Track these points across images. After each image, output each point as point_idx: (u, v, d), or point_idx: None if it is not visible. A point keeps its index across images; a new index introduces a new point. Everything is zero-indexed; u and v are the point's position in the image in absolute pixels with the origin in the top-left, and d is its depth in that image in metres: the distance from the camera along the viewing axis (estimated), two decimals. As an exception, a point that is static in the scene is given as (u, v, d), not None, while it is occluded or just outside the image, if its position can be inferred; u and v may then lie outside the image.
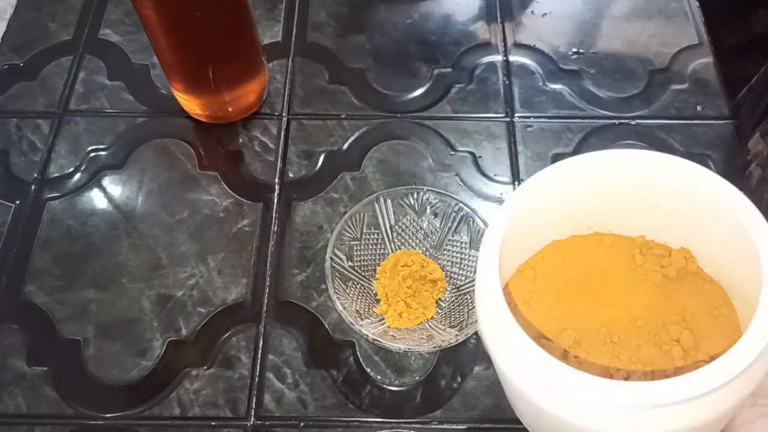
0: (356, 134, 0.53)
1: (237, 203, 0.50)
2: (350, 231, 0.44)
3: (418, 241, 0.46)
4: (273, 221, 0.49)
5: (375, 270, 0.45)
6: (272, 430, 0.41)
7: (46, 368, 0.43)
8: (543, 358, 0.23)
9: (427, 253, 0.46)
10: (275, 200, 0.50)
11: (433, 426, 0.41)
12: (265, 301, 0.45)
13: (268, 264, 0.47)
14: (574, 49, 0.57)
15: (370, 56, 0.57)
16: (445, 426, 0.41)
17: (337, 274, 0.42)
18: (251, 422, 0.41)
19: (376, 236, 0.45)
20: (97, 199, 0.50)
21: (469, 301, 0.43)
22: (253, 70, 0.51)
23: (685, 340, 0.26)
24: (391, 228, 0.46)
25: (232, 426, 0.41)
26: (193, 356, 0.44)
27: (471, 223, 0.44)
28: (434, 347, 0.41)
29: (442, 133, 0.53)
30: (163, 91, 0.55)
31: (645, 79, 0.56)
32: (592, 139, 0.52)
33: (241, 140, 0.53)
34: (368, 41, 0.58)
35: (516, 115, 0.54)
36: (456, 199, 0.45)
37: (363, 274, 0.44)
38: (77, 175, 0.51)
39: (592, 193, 0.30)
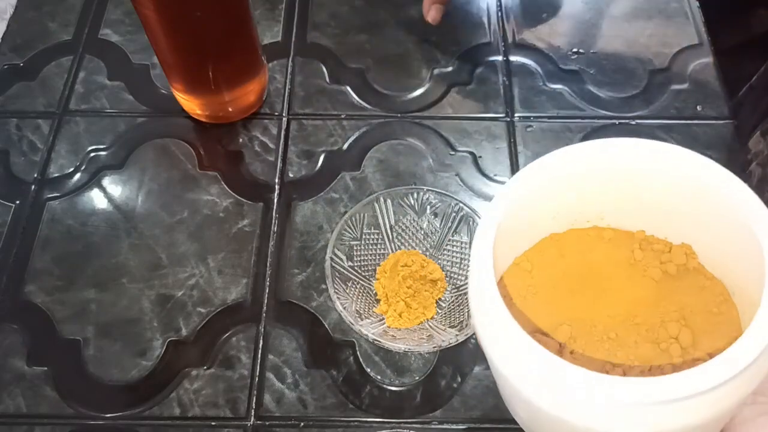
0: (356, 134, 0.53)
1: (237, 203, 0.50)
2: (350, 231, 0.44)
3: (418, 241, 0.46)
4: (273, 221, 0.49)
5: (375, 270, 0.45)
6: (272, 430, 0.41)
7: (46, 368, 0.43)
8: (540, 354, 0.22)
9: (427, 253, 0.46)
10: (275, 200, 0.50)
11: (433, 426, 0.41)
12: (265, 301, 0.45)
13: (268, 264, 0.47)
14: (574, 49, 0.57)
15: (370, 56, 0.57)
16: (445, 426, 0.41)
17: (337, 274, 0.42)
18: (251, 422, 0.41)
19: (376, 236, 0.45)
20: (97, 199, 0.50)
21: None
22: (253, 70, 0.51)
23: (684, 337, 0.26)
24: (391, 228, 0.46)
25: (232, 426, 0.41)
26: (193, 356, 0.44)
27: (471, 223, 0.44)
28: (434, 347, 0.41)
29: (442, 133, 0.53)
30: (163, 91, 0.55)
31: (645, 79, 0.55)
32: (592, 139, 0.52)
33: (241, 140, 0.53)
34: (368, 41, 0.58)
35: (516, 115, 0.54)
36: (456, 199, 0.45)
37: (363, 274, 0.44)
38: (77, 175, 0.51)
39: (590, 182, 0.29)
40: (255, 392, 0.42)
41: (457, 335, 0.40)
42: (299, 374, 0.43)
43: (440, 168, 0.51)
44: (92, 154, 0.52)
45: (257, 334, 0.44)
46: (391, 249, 0.46)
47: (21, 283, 0.46)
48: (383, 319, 0.43)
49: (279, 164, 0.51)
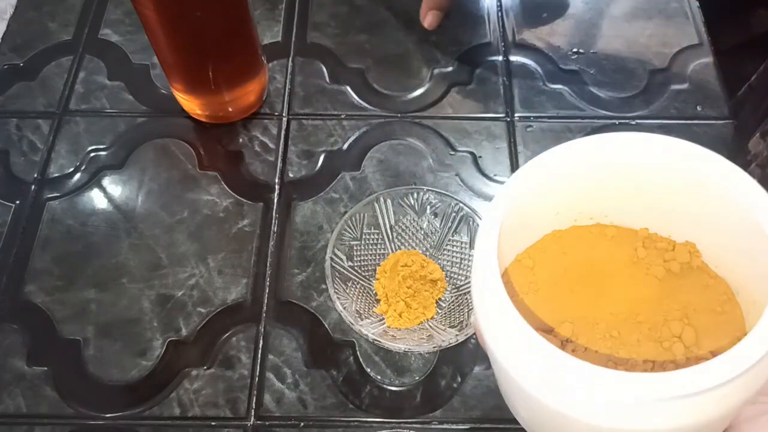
0: (356, 134, 0.53)
1: (237, 203, 0.50)
2: (350, 231, 0.44)
3: (418, 241, 0.46)
4: (273, 221, 0.49)
5: (375, 270, 0.45)
6: (272, 430, 0.41)
7: (46, 368, 0.43)
8: (544, 348, 0.22)
9: (427, 253, 0.46)
10: (275, 200, 0.50)
11: (433, 426, 0.41)
12: (265, 301, 0.45)
13: (268, 264, 0.47)
14: (574, 49, 0.57)
15: (370, 56, 0.57)
16: (445, 426, 0.41)
17: (337, 274, 0.42)
18: (251, 422, 0.41)
19: (376, 236, 0.45)
20: (97, 199, 0.50)
21: (469, 301, 0.43)
22: (253, 70, 0.51)
23: (687, 336, 0.25)
24: (391, 228, 0.46)
25: (232, 426, 0.41)
26: (193, 356, 0.44)
27: (471, 223, 0.44)
28: (434, 347, 0.41)
29: (442, 133, 0.53)
30: (163, 91, 0.55)
31: (645, 79, 0.56)
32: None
33: (241, 140, 0.53)
34: (368, 41, 0.58)
35: (516, 115, 0.54)
36: (456, 199, 0.45)
37: (363, 274, 0.44)
38: (77, 175, 0.51)
39: (593, 178, 0.28)
40: (255, 392, 0.42)
41: (457, 335, 0.40)
42: (299, 374, 0.43)
43: (440, 168, 0.51)
44: (92, 154, 0.52)
45: (257, 334, 0.44)
46: (391, 249, 0.46)
47: (21, 283, 0.46)
48: (383, 319, 0.43)
49: (279, 164, 0.51)
